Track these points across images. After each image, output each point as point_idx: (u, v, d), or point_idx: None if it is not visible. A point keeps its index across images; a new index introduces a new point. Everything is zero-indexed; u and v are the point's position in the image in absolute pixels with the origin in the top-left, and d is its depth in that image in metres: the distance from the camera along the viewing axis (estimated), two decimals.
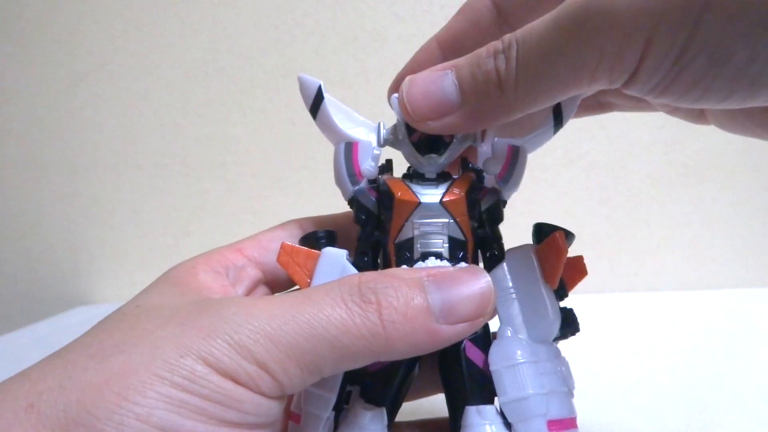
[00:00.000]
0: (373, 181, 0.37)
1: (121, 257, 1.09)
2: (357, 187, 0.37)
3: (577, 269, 0.35)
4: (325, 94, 0.37)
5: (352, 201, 0.37)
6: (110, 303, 1.07)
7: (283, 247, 0.36)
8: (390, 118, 0.38)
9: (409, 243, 0.34)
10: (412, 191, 0.35)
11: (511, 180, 0.37)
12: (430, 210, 0.34)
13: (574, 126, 0.98)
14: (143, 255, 1.08)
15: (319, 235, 0.38)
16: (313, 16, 0.97)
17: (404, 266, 0.34)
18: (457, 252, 0.35)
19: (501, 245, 0.36)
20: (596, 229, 1.01)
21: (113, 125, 1.03)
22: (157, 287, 0.36)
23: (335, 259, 0.36)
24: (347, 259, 0.36)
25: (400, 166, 0.39)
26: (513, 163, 0.36)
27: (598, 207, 1.01)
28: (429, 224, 0.34)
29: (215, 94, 1.01)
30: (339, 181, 0.38)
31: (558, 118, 0.36)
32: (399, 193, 0.35)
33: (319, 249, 0.37)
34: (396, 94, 0.35)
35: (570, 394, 0.34)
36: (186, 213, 1.05)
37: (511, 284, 0.35)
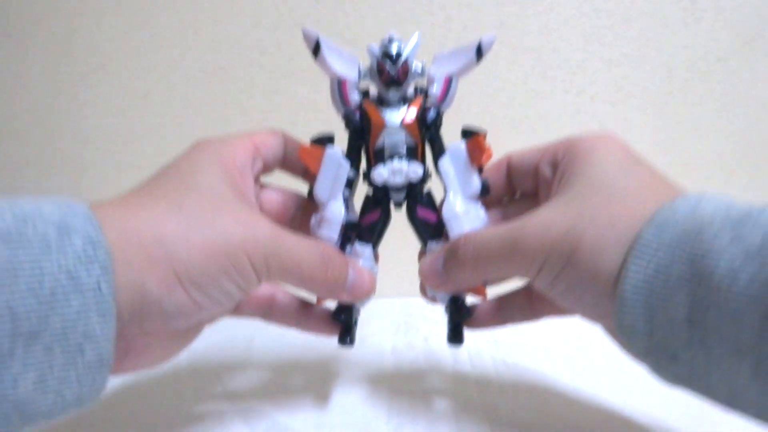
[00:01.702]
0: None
1: None
2: (346, 108, 0.54)
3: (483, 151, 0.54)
4: (322, 44, 0.52)
5: (345, 116, 0.55)
6: None
7: (302, 149, 0.56)
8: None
9: (382, 148, 0.54)
10: (381, 116, 0.53)
11: (447, 98, 0.54)
12: (393, 128, 0.53)
13: (566, 124, 0.99)
14: None
15: (325, 138, 0.56)
16: (313, 17, 0.97)
17: (380, 164, 0.54)
18: (412, 152, 0.54)
19: (442, 144, 0.56)
20: None
21: (113, 126, 1.03)
22: (207, 166, 0.47)
23: (335, 155, 0.55)
24: (342, 154, 0.56)
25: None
26: (449, 87, 0.54)
27: None
28: (393, 137, 0.53)
29: (215, 94, 1.01)
30: (334, 104, 0.55)
31: (479, 54, 0.53)
32: (374, 118, 0.53)
33: (324, 147, 0.56)
34: (373, 44, 0.54)
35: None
36: None
37: (452, 166, 0.55)
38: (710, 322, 0.35)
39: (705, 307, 0.35)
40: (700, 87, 0.98)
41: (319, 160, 0.54)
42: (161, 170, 0.48)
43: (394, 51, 0.52)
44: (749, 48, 0.96)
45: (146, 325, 0.40)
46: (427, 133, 0.54)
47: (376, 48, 0.53)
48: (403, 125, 0.53)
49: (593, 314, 0.45)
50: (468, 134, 0.55)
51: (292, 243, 0.46)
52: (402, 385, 0.67)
